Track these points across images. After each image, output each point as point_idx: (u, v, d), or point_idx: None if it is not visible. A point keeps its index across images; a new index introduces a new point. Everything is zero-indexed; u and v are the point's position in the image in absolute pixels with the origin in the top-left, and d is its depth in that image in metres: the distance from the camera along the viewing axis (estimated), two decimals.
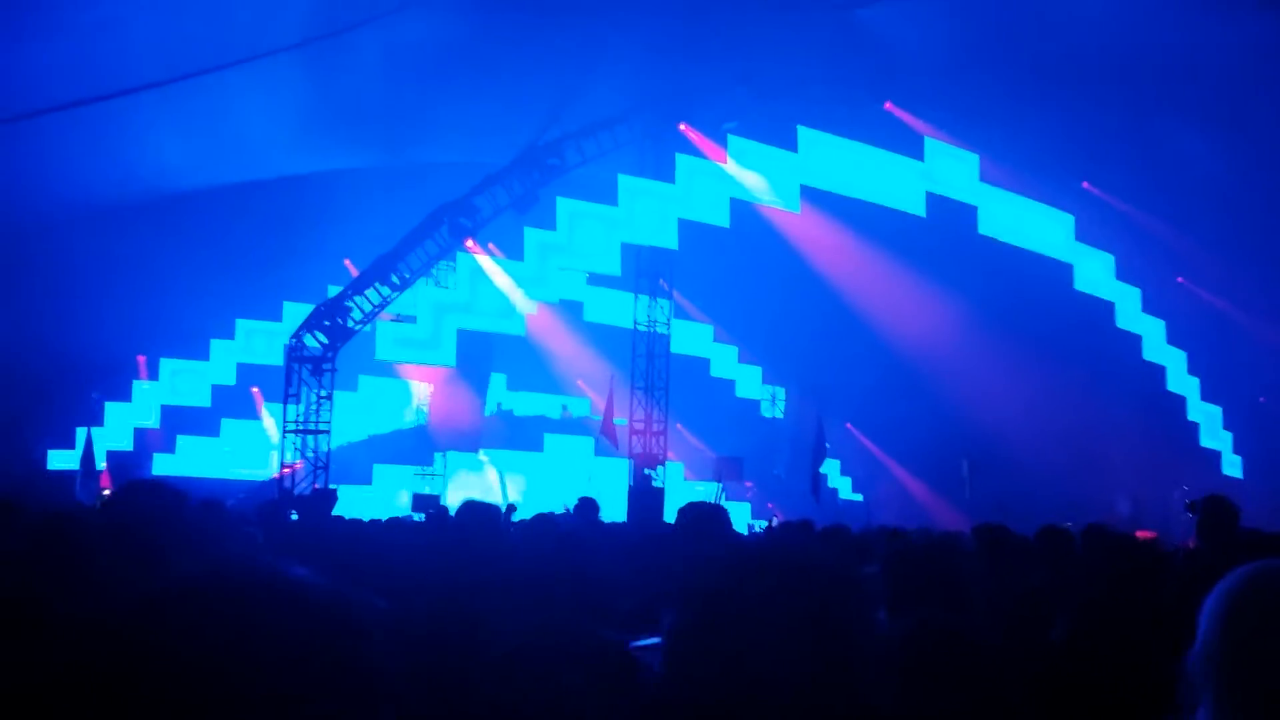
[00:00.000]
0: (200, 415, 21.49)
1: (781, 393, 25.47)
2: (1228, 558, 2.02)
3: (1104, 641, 3.11)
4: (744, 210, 17.40)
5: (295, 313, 18.93)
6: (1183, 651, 1.50)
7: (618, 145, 17.00)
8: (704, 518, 4.27)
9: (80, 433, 19.83)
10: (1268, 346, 20.02)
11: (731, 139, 17.00)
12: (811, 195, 17.59)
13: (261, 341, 21.11)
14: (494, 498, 20.06)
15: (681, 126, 17.32)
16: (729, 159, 16.94)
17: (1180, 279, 21.51)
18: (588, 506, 7.20)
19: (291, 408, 15.94)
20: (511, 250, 18.36)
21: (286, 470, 15.84)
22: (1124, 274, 20.53)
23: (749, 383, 24.80)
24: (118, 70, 15.17)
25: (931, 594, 2.69)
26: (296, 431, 15.90)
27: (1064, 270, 19.48)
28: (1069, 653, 3.15)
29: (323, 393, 15.91)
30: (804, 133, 17.02)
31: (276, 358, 19.01)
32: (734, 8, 15.14)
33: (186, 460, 20.69)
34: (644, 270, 17.68)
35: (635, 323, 17.75)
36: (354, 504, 16.17)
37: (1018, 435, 19.36)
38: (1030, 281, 18.77)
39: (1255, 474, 21.23)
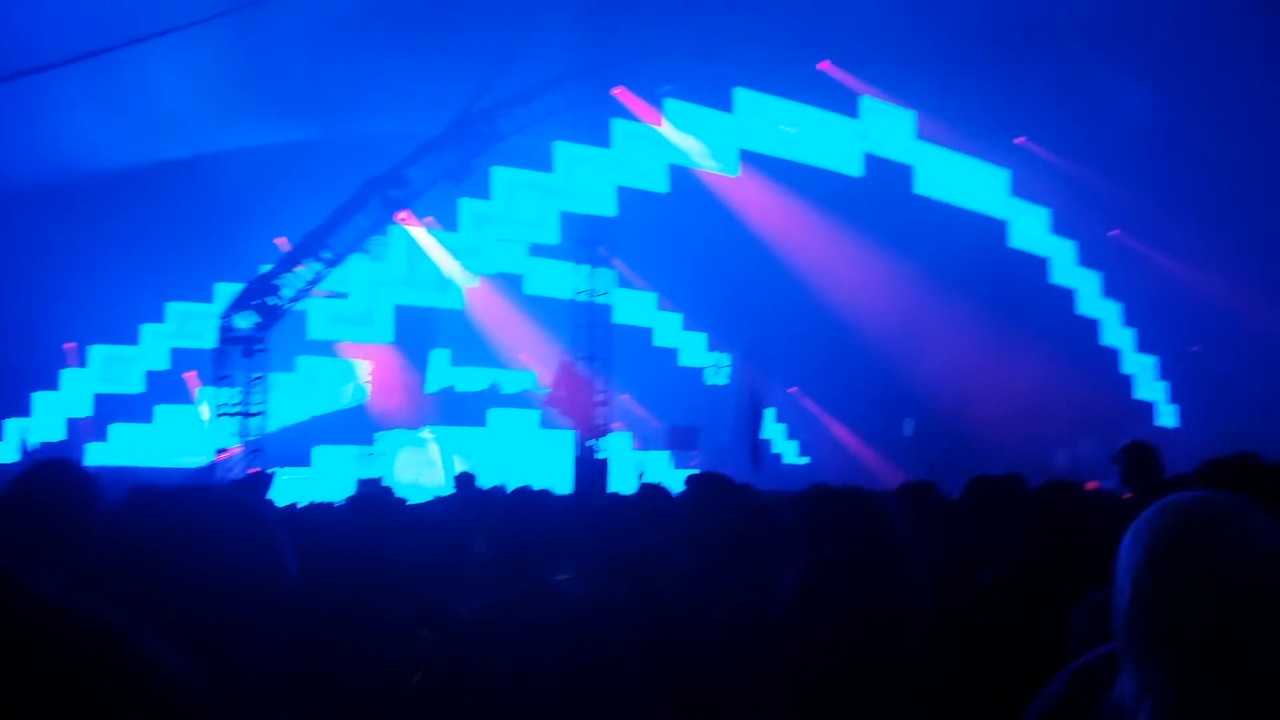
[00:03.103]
0: (133, 402, 20.96)
1: (726, 359, 25.47)
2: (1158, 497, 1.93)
3: (1031, 584, 3.05)
4: (682, 175, 17.26)
5: (227, 293, 18.48)
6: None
7: (552, 112, 16.75)
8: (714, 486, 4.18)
9: (11, 425, 19.33)
10: (1200, 296, 20.33)
11: (668, 102, 16.83)
12: (750, 158, 17.50)
13: (193, 324, 20.59)
14: (437, 475, 19.87)
15: (617, 91, 17.10)
16: (665, 123, 16.77)
17: (1114, 231, 21.75)
18: (465, 481, 7.07)
19: (225, 391, 15.57)
20: (448, 222, 18.08)
21: (221, 456, 15.49)
22: (1059, 228, 20.74)
23: (694, 350, 24.75)
24: (29, 46, 14.61)
25: (844, 533, 2.63)
26: (230, 415, 15.55)
27: (999, 227, 19.64)
28: (996, 594, 3.10)
29: (256, 374, 15.56)
30: (740, 94, 16.90)
31: (209, 340, 18.58)
32: None
33: (120, 449, 20.17)
34: (583, 239, 17.48)
35: (576, 293, 17.56)
36: (293, 486, 15.89)
37: (959, 393, 19.52)
38: (967, 239, 18.88)
39: (1190, 423, 21.63)
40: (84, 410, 21.05)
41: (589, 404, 16.54)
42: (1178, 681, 1.25)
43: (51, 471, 2.37)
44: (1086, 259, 21.38)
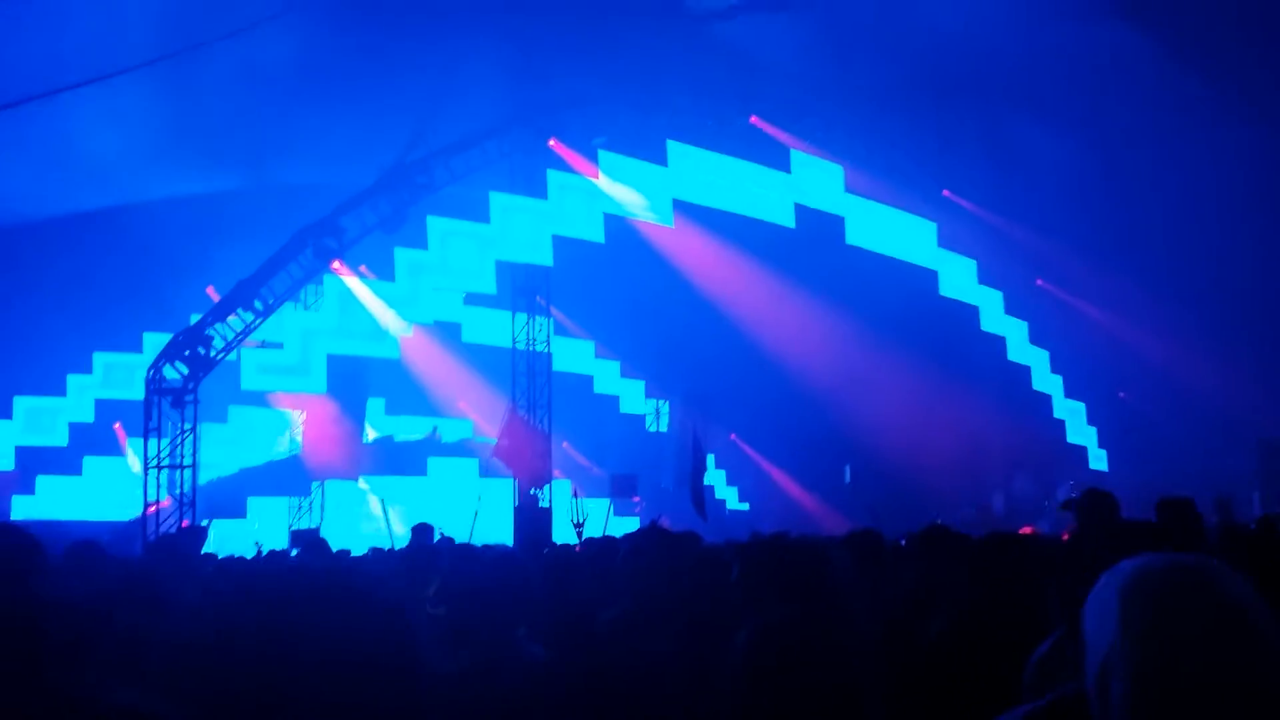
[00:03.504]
0: (59, 455, 20.43)
1: (666, 406, 25.53)
2: (1113, 549, 1.99)
3: (981, 634, 3.10)
4: (618, 225, 17.39)
5: (156, 344, 18.12)
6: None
7: (487, 162, 16.78)
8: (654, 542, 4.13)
9: None
10: (1124, 343, 20.89)
11: (602, 154, 16.99)
12: (684, 209, 17.68)
13: (121, 375, 20.15)
14: (378, 526, 19.56)
15: (551, 142, 17.21)
16: (600, 174, 16.91)
17: (1039, 281, 22.31)
18: (423, 532, 6.95)
19: (154, 442, 15.22)
20: (382, 271, 17.96)
21: (151, 509, 15.10)
22: (986, 278, 21.22)
23: (633, 397, 24.78)
24: None
25: (790, 590, 2.66)
26: (160, 467, 15.19)
27: (929, 277, 20.03)
28: (945, 646, 3.13)
29: (186, 425, 15.24)
30: (674, 147, 17.12)
31: (138, 392, 18.21)
32: (597, 22, 15.14)
33: (47, 502, 19.62)
34: (520, 288, 17.48)
35: (514, 342, 17.52)
36: (228, 539, 15.54)
37: (895, 439, 19.76)
38: (898, 289, 19.23)
39: (1119, 466, 22.12)
40: (7, 463, 20.46)
41: (536, 455, 16.45)
42: None
43: None
44: (1013, 308, 21.89)
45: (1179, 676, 1.29)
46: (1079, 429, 23.08)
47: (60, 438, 20.66)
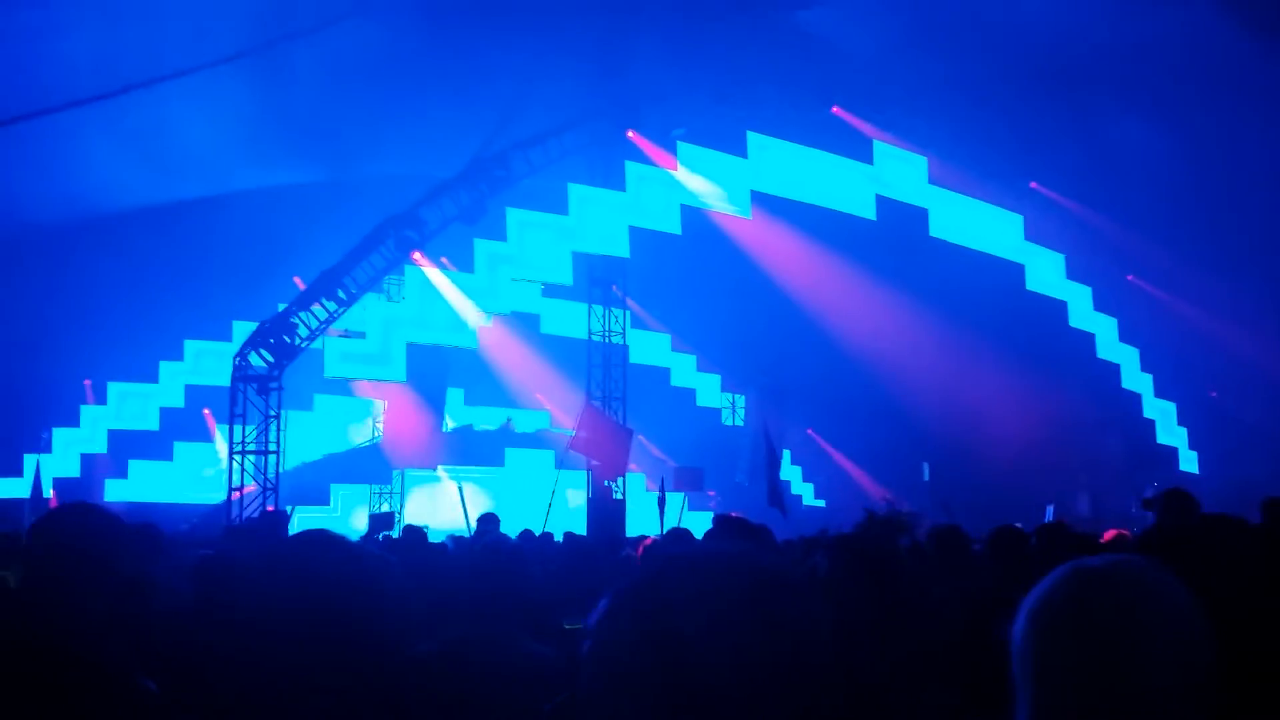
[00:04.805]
0: (150, 439, 21.09)
1: (742, 400, 25.41)
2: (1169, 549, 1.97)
3: None
4: (695, 217, 17.31)
5: (245, 332, 18.59)
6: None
7: (566, 154, 16.82)
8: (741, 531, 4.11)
9: (29, 460, 19.42)
10: (1216, 341, 20.20)
11: (681, 145, 16.91)
12: (763, 200, 17.53)
13: (211, 362, 20.73)
14: (455, 515, 19.80)
15: (630, 134, 17.20)
16: (679, 166, 16.84)
17: (1130, 277, 21.68)
18: (489, 521, 7.01)
19: (239, 429, 15.60)
20: (462, 262, 18.15)
21: (236, 494, 15.48)
22: (1074, 273, 20.67)
23: (709, 391, 24.72)
24: (52, 85, 14.82)
25: (870, 591, 2.60)
26: (245, 453, 15.56)
27: (1016, 271, 19.58)
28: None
29: (271, 412, 15.58)
30: (753, 138, 16.98)
31: (227, 378, 18.72)
32: (677, 13, 15.09)
33: (139, 485, 20.28)
34: (598, 280, 17.52)
35: (591, 333, 17.57)
36: (312, 526, 15.84)
37: (977, 436, 19.40)
38: (983, 283, 18.83)
39: (1210, 468, 21.42)
40: (100, 447, 21.17)
41: (617, 449, 16.40)
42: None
43: (73, 517, 2.33)
44: (1102, 304, 21.29)
45: (1047, 657, 1.39)
46: (1169, 429, 22.39)
47: (152, 422, 21.31)
